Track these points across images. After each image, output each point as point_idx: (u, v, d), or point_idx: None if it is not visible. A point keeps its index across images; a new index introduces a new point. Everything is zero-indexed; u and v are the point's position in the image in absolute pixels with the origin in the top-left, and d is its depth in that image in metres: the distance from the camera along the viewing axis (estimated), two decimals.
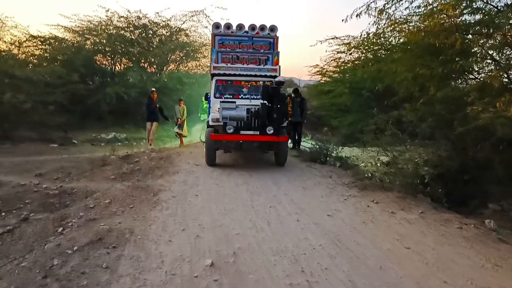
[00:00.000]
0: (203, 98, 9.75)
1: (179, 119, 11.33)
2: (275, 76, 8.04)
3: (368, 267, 3.24)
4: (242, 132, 6.74)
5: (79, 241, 3.53)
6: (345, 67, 15.98)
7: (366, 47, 14.14)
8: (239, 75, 8.01)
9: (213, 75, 8.19)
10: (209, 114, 8.19)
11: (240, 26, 7.96)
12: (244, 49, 8.07)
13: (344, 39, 14.78)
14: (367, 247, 3.66)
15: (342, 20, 6.70)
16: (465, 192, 6.13)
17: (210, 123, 7.19)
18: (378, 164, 7.12)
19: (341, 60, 15.96)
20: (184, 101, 11.73)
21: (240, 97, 7.92)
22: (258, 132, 6.75)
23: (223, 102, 6.97)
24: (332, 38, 14.97)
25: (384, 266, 3.26)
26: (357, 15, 5.84)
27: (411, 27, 5.92)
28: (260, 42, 8.08)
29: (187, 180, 6.11)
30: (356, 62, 14.76)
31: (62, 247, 3.42)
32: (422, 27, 5.56)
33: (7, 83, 11.11)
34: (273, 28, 8.03)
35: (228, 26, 7.99)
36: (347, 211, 4.76)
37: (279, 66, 8.11)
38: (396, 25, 6.24)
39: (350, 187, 5.87)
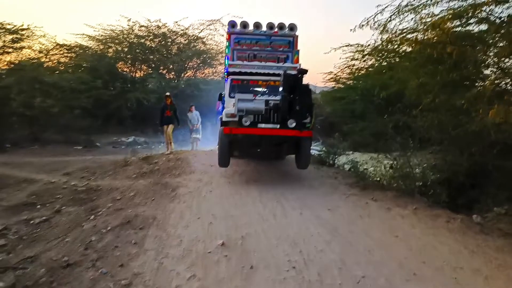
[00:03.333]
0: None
1: (194, 125, 11.85)
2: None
3: (357, 251, 3.79)
4: (260, 125, 6.13)
5: (111, 223, 4.24)
6: (359, 73, 16.46)
7: (380, 54, 14.61)
8: (256, 73, 7.43)
9: (228, 74, 7.65)
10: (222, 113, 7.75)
11: (257, 25, 7.48)
12: (261, 48, 7.64)
13: (358, 46, 15.31)
14: (360, 236, 4.20)
15: (350, 29, 7.30)
16: (471, 197, 6.52)
17: (224, 119, 6.46)
18: (387, 168, 7.60)
19: (354, 67, 16.46)
20: (195, 107, 12.12)
21: (257, 97, 7.44)
22: (278, 126, 6.13)
23: (239, 93, 6.44)
24: (346, 46, 15.53)
25: (372, 250, 3.80)
26: (360, 26, 6.41)
27: (410, 39, 6.40)
28: (279, 42, 7.65)
29: (202, 179, 6.76)
30: (370, 69, 15.23)
31: (98, 227, 4.13)
32: (419, 39, 6.06)
33: (37, 89, 12.17)
34: (292, 27, 7.54)
35: (244, 25, 7.53)
36: (347, 206, 5.31)
37: (300, 65, 7.43)
38: (397, 37, 6.73)
39: (353, 186, 6.39)
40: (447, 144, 7.04)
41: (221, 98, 8.23)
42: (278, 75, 7.03)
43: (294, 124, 6.02)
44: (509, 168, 5.95)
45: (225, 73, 8.06)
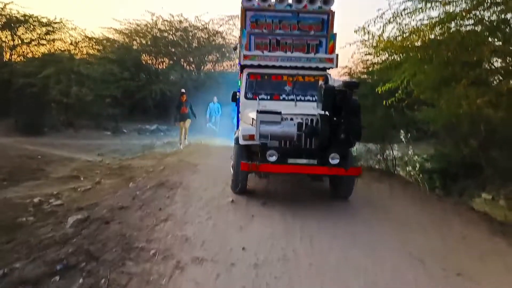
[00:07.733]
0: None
1: (212, 117, 13.28)
2: (329, 68, 6.22)
3: (334, 212, 5.10)
4: (290, 160, 4.84)
5: (149, 184, 5.75)
6: (373, 68, 17.46)
7: (392, 50, 15.56)
8: (280, 67, 6.05)
9: (243, 67, 6.30)
10: (237, 122, 6.78)
11: None
12: (286, 31, 6.18)
13: (372, 42, 16.30)
14: (340, 203, 5.48)
15: (355, 31, 8.47)
16: (464, 185, 7.64)
17: (241, 141, 5.14)
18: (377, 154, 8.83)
19: (368, 62, 17.47)
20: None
21: (281, 98, 6.17)
22: (315, 161, 4.85)
23: (261, 112, 4.66)
24: (361, 41, 16.56)
25: (345, 211, 5.13)
26: (355, 31, 7.59)
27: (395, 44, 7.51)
28: (309, 20, 6.16)
29: (220, 159, 8.20)
30: (380, 64, 16.22)
31: (139, 186, 5.64)
32: (402, 44, 7.20)
33: (72, 79, 13.92)
34: (327, 0, 6.06)
35: None
36: None
37: (337, 55, 6.16)
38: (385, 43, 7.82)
39: None
40: (443, 136, 8.15)
41: (235, 99, 6.81)
42: (308, 68, 6.08)
43: (337, 161, 4.66)
44: (498, 160, 7.05)
45: (239, 65, 6.68)
